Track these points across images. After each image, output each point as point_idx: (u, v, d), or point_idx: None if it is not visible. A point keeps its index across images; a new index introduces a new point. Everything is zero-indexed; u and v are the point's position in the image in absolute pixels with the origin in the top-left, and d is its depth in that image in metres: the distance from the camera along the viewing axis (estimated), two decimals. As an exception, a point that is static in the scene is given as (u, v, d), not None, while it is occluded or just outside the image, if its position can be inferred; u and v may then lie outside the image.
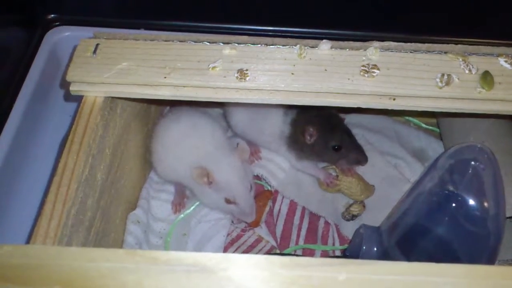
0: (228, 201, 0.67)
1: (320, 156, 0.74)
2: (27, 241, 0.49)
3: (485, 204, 0.57)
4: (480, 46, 0.59)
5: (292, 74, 0.56)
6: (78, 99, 0.58)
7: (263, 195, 0.76)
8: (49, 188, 0.50)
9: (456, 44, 0.59)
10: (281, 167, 0.78)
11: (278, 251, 0.72)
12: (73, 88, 0.57)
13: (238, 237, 0.73)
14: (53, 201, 0.50)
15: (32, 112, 0.78)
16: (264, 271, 0.39)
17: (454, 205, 0.58)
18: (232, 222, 0.73)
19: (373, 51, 0.57)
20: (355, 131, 0.79)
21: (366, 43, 0.59)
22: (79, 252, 0.41)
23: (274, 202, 0.76)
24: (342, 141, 0.72)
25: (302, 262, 0.40)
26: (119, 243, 0.67)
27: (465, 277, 0.39)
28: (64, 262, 0.39)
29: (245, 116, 0.76)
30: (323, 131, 0.72)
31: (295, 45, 0.58)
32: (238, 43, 0.59)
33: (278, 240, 0.73)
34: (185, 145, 0.70)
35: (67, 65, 0.57)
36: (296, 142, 0.73)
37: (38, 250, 0.41)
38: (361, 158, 0.73)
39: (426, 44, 0.59)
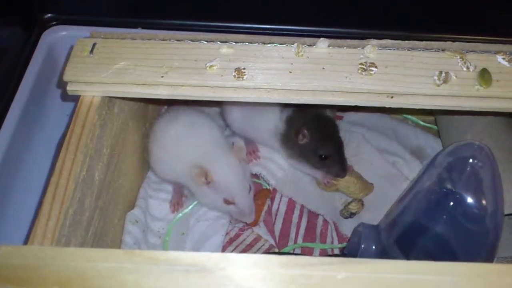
0: (227, 202, 0.67)
1: (306, 158, 0.73)
2: (25, 242, 0.49)
3: (484, 201, 0.57)
4: (477, 44, 0.60)
5: (290, 72, 0.56)
6: (75, 99, 0.58)
7: (262, 193, 0.75)
8: (47, 188, 0.50)
9: (454, 41, 0.59)
10: (280, 166, 0.78)
11: (276, 250, 0.71)
12: (70, 88, 0.57)
13: (237, 236, 0.73)
14: (51, 202, 0.49)
15: (30, 112, 0.77)
16: (263, 270, 0.39)
17: (452, 203, 0.58)
18: (230, 222, 0.73)
19: (371, 49, 0.57)
20: (353, 129, 0.79)
21: (364, 41, 0.59)
22: (77, 252, 0.41)
23: (272, 200, 0.76)
24: (330, 152, 0.71)
25: (300, 261, 0.40)
26: (118, 243, 0.67)
27: (463, 275, 0.39)
28: (62, 263, 0.39)
29: (242, 113, 0.76)
30: (316, 137, 0.71)
31: (293, 44, 0.58)
32: (235, 42, 0.59)
33: (277, 238, 0.73)
34: (183, 145, 0.69)
35: (64, 65, 0.57)
36: (288, 140, 0.73)
37: (36, 251, 0.41)
38: (340, 174, 0.72)
39: (424, 42, 0.59)
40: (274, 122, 0.74)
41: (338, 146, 0.72)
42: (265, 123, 0.75)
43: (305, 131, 0.71)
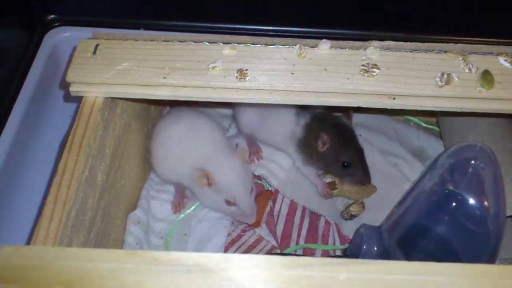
0: (228, 203, 0.67)
1: (326, 166, 0.74)
2: (28, 242, 0.49)
3: (485, 203, 0.57)
4: (480, 45, 0.59)
5: (292, 74, 0.56)
6: (78, 99, 0.58)
7: (264, 195, 0.75)
8: (49, 189, 0.50)
9: (456, 43, 0.59)
10: (282, 167, 0.78)
11: (278, 251, 0.72)
12: (73, 89, 0.57)
13: (239, 237, 0.73)
14: (53, 202, 0.50)
15: (32, 112, 0.78)
16: (265, 271, 0.39)
17: (454, 204, 0.58)
18: (232, 223, 0.73)
19: (373, 51, 0.57)
20: (354, 131, 0.78)
21: (366, 43, 0.59)
22: (79, 252, 0.41)
23: (274, 202, 0.76)
24: (352, 159, 0.71)
25: (302, 262, 0.40)
26: (120, 244, 0.67)
27: (465, 276, 0.39)
28: (65, 263, 0.40)
29: (256, 115, 0.76)
30: (336, 143, 0.71)
31: (295, 45, 0.58)
32: (237, 43, 0.59)
33: (279, 240, 0.73)
34: (184, 146, 0.70)
35: (67, 66, 0.57)
36: (307, 147, 0.73)
37: (39, 251, 0.41)
38: (365, 180, 0.73)
39: (426, 43, 0.59)
40: (290, 126, 0.74)
41: (359, 152, 0.72)
42: (281, 126, 0.74)
43: (325, 137, 0.70)
